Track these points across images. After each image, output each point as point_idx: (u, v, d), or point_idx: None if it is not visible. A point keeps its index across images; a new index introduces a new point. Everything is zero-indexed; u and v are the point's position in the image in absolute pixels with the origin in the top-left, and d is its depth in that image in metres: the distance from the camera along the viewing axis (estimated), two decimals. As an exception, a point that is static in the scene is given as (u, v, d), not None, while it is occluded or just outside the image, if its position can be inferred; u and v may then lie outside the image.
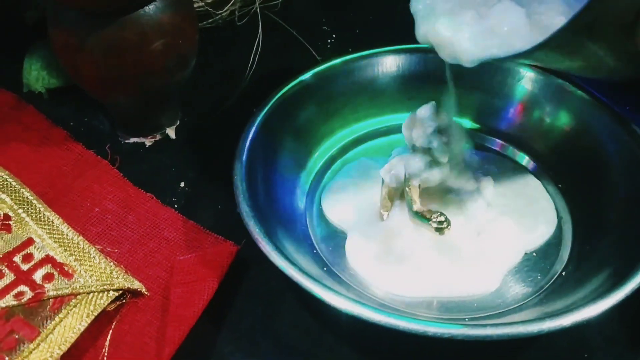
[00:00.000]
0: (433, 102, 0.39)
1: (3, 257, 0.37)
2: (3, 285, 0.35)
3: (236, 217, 0.35)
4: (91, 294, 0.35)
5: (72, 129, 0.46)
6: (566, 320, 0.30)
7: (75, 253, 0.37)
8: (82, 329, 0.34)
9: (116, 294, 0.35)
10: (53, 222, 0.39)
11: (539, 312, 0.34)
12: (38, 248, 0.37)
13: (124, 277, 0.36)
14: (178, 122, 0.48)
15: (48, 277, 0.36)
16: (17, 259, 0.37)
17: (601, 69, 0.35)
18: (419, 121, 0.38)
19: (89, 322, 0.34)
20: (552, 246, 0.39)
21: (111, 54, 0.40)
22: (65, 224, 0.39)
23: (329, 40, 0.56)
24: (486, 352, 0.35)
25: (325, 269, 0.37)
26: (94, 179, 0.43)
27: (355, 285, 0.37)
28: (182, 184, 0.44)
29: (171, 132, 0.47)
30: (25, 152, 0.44)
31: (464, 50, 0.34)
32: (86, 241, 0.38)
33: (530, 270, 0.38)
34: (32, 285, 0.35)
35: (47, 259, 0.37)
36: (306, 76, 0.44)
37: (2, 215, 0.39)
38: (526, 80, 0.44)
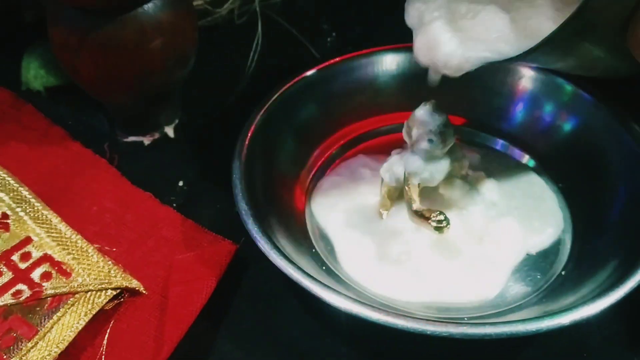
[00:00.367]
0: (433, 101, 0.39)
1: (1, 255, 0.37)
2: (1, 284, 0.35)
3: (235, 216, 0.35)
4: (89, 293, 0.35)
5: (70, 128, 0.46)
6: (565, 319, 0.30)
7: (74, 252, 0.37)
8: (80, 327, 0.33)
9: (114, 292, 0.35)
10: (51, 221, 0.39)
11: (538, 312, 0.34)
12: (36, 246, 0.37)
13: (122, 275, 0.36)
14: (177, 121, 0.48)
15: (46, 276, 0.36)
16: (15, 257, 0.37)
17: (596, 67, 0.35)
18: (418, 120, 0.38)
19: (87, 320, 0.34)
20: (551, 245, 0.39)
21: (110, 53, 0.40)
22: (64, 223, 0.39)
23: (328, 39, 0.56)
24: (485, 351, 0.35)
25: (324, 268, 0.37)
26: (92, 177, 0.43)
27: (354, 285, 0.37)
28: (181, 183, 0.44)
29: (170, 131, 0.47)
30: (23, 151, 0.44)
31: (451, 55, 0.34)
32: (84, 240, 0.38)
33: (530, 269, 0.38)
34: (30, 283, 0.35)
35: (45, 258, 0.37)
36: (306, 75, 0.44)
37: (0, 214, 0.39)
38: (526, 79, 0.44)
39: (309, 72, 0.44)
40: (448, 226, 0.36)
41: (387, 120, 0.46)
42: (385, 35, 0.45)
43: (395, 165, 0.39)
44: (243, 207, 0.35)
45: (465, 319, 0.35)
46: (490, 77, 0.44)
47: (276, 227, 0.37)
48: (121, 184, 0.42)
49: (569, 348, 0.35)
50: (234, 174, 0.37)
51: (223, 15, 0.55)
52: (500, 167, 0.43)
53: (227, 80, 0.51)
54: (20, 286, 0.35)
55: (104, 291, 0.35)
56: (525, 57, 0.31)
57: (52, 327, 0.33)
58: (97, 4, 0.38)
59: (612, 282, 0.32)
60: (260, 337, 0.36)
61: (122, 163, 0.44)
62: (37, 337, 0.33)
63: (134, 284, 0.36)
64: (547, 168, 0.43)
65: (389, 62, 0.45)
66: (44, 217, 0.39)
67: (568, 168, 0.42)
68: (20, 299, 0.34)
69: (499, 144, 0.45)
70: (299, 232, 0.39)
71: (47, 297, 0.35)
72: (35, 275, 0.36)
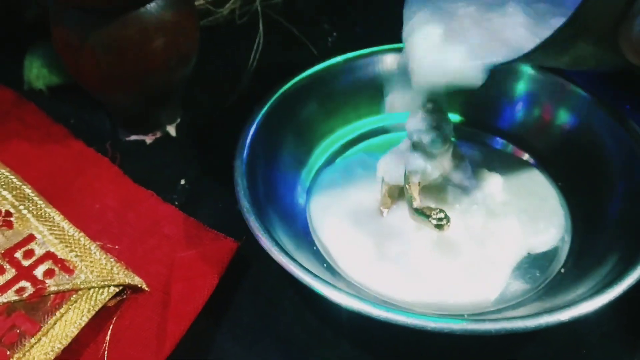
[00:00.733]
0: (433, 101, 0.39)
1: (4, 253, 0.37)
2: (4, 281, 0.35)
3: (236, 214, 0.36)
4: (92, 290, 0.35)
5: (72, 127, 0.46)
6: (564, 315, 0.30)
7: (76, 249, 0.37)
8: (83, 324, 0.34)
9: (117, 289, 0.36)
10: (54, 219, 0.39)
11: (537, 309, 0.34)
12: (39, 244, 0.38)
13: (125, 273, 0.36)
14: (179, 120, 0.48)
15: (49, 273, 0.36)
16: (18, 255, 0.37)
17: (589, 62, 0.35)
18: (417, 117, 0.38)
19: (89, 317, 0.34)
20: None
21: (112, 52, 0.40)
22: (66, 221, 0.39)
23: (329, 39, 0.56)
24: (486, 348, 0.35)
25: (325, 265, 0.37)
26: (94, 176, 0.43)
27: (354, 282, 0.37)
28: (183, 181, 0.44)
29: (172, 130, 0.48)
30: (26, 149, 0.45)
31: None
32: (87, 237, 0.38)
33: (529, 267, 0.38)
34: (34, 280, 0.36)
35: (48, 255, 0.37)
36: (307, 74, 0.44)
37: (3, 211, 0.39)
38: (526, 78, 0.44)
39: (310, 72, 0.44)
40: (448, 224, 0.36)
41: (387, 118, 0.46)
42: (385, 35, 0.45)
43: (392, 164, 0.39)
44: (245, 204, 0.35)
45: (465, 316, 0.35)
46: (489, 76, 0.44)
47: (277, 224, 0.37)
48: (123, 182, 0.43)
49: (568, 344, 0.35)
50: (236, 172, 0.37)
51: (224, 15, 0.55)
52: (502, 165, 0.43)
53: (229, 79, 0.51)
54: (24, 283, 0.35)
55: (106, 288, 0.36)
56: (521, 59, 0.32)
57: (55, 324, 0.34)
58: (99, 4, 0.39)
59: (610, 279, 0.32)
60: (261, 333, 0.36)
61: (124, 162, 0.44)
62: (40, 333, 0.33)
63: (136, 281, 0.36)
64: (546, 166, 0.43)
65: (389, 62, 0.46)
66: (47, 214, 0.39)
67: (567, 166, 0.42)
68: (24, 295, 0.35)
69: (499, 142, 0.45)
70: (300, 230, 0.39)
71: (50, 294, 0.35)
72: (39, 272, 0.36)
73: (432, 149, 0.38)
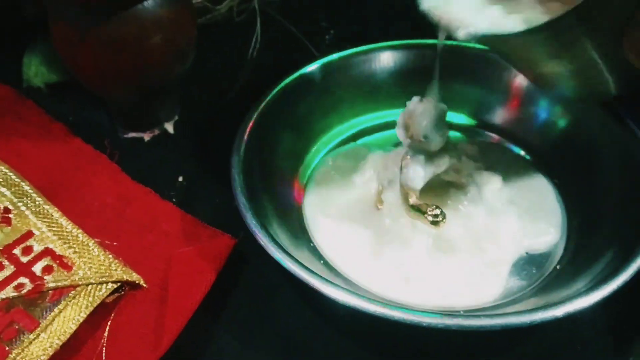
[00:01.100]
0: (418, 97, 0.39)
1: (3, 249, 0.37)
2: (3, 277, 0.36)
3: (234, 211, 0.36)
4: (90, 286, 0.35)
5: (71, 124, 0.47)
6: (559, 311, 0.31)
7: (75, 246, 0.38)
8: (81, 320, 0.34)
9: (115, 285, 0.36)
10: (52, 215, 0.39)
11: (533, 304, 0.34)
12: (38, 241, 0.38)
13: (123, 269, 0.37)
14: (176, 117, 0.48)
15: (47, 269, 0.36)
16: (17, 251, 0.37)
17: (588, 72, 0.35)
18: (412, 116, 0.38)
19: (88, 313, 0.34)
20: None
21: (111, 49, 0.40)
22: (65, 217, 0.39)
23: (326, 36, 0.56)
24: (481, 345, 0.36)
25: (322, 261, 0.38)
26: (92, 173, 0.43)
27: (351, 278, 0.37)
28: (180, 178, 0.44)
29: (169, 127, 0.48)
30: (25, 146, 0.45)
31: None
32: (85, 234, 0.38)
33: (525, 263, 0.38)
34: (32, 277, 0.36)
35: (47, 252, 0.37)
36: (304, 71, 0.44)
37: (2, 208, 0.39)
38: (522, 75, 0.44)
39: (307, 69, 0.44)
40: (444, 220, 0.36)
41: (384, 116, 0.46)
42: (382, 32, 0.45)
43: (392, 163, 0.39)
44: (242, 201, 0.36)
45: (461, 312, 0.35)
46: (486, 73, 0.45)
47: (274, 221, 0.37)
48: (121, 179, 0.43)
49: (563, 340, 0.36)
50: (233, 168, 0.37)
51: (222, 12, 0.55)
52: (499, 163, 0.43)
53: (226, 77, 0.51)
54: (22, 279, 0.36)
55: (104, 284, 0.36)
56: (530, 34, 0.31)
57: (53, 320, 0.34)
58: (97, 1, 0.39)
59: (605, 276, 0.33)
60: (258, 329, 0.36)
61: (122, 159, 0.44)
62: (38, 329, 0.33)
63: (135, 277, 0.36)
64: (542, 164, 0.43)
65: (386, 59, 0.46)
66: (46, 211, 0.39)
67: (563, 164, 0.42)
68: (22, 292, 0.35)
69: (495, 139, 0.45)
70: (297, 226, 0.40)
71: (49, 290, 0.35)
72: (37, 268, 0.36)
73: (428, 146, 0.38)
